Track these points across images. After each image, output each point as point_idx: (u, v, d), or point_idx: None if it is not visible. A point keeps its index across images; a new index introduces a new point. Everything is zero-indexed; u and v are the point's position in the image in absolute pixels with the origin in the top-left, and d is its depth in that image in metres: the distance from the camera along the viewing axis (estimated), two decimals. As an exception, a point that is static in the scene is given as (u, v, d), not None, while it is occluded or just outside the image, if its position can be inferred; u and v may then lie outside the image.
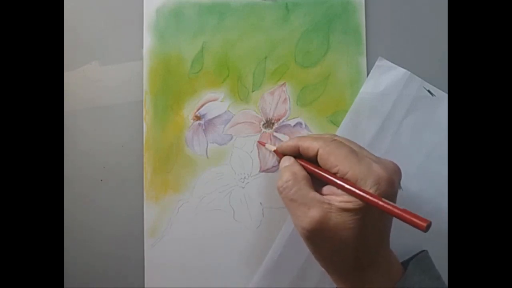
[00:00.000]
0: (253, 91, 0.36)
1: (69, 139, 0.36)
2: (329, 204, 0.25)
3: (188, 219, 0.35)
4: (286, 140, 0.30)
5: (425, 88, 0.35)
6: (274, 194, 0.30)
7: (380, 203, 0.24)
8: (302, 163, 0.29)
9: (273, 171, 0.35)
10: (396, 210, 0.23)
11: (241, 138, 0.35)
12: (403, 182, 0.34)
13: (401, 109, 0.35)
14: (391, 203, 0.24)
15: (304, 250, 0.29)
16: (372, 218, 0.25)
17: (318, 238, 0.26)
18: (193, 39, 0.36)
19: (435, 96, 0.35)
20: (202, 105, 0.36)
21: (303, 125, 0.35)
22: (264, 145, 0.35)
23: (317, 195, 0.26)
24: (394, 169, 0.27)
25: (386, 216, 0.26)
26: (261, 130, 0.36)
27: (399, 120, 0.35)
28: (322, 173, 0.27)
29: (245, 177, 0.35)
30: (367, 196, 0.24)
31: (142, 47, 0.36)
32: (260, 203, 0.35)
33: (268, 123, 0.36)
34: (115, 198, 0.36)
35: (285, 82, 0.36)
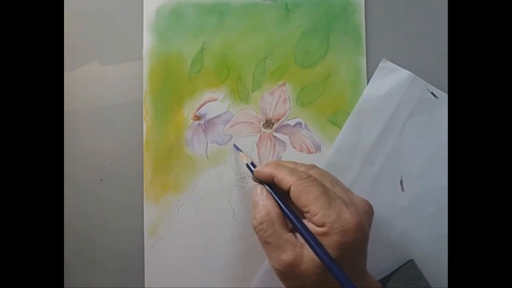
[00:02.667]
0: (253, 91, 0.36)
1: (69, 139, 0.36)
2: (301, 248, 0.25)
3: (188, 219, 0.35)
4: (263, 165, 0.29)
5: (428, 90, 0.35)
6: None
7: (330, 267, 0.23)
8: (275, 200, 0.28)
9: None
10: (343, 279, 0.23)
11: (241, 138, 0.35)
12: (405, 183, 0.35)
13: (405, 111, 0.35)
14: (340, 271, 0.23)
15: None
16: (343, 263, 0.24)
17: (290, 279, 0.26)
18: (193, 39, 0.36)
19: (438, 98, 0.35)
20: (202, 105, 0.36)
21: (303, 125, 0.35)
22: (240, 152, 0.34)
23: (291, 236, 0.26)
24: (366, 210, 0.27)
25: (359, 254, 0.26)
26: (261, 130, 0.36)
27: (402, 122, 0.35)
28: (291, 217, 0.26)
29: (245, 177, 0.35)
30: (321, 256, 0.24)
31: (142, 47, 0.36)
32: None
33: (268, 123, 0.36)
34: (115, 198, 0.36)
35: (285, 82, 0.36)
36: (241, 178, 0.35)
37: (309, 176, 0.27)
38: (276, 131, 0.36)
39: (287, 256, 0.25)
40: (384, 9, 0.36)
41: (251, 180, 0.35)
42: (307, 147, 0.35)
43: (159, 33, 0.36)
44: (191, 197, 0.35)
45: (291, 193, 0.26)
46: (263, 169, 0.29)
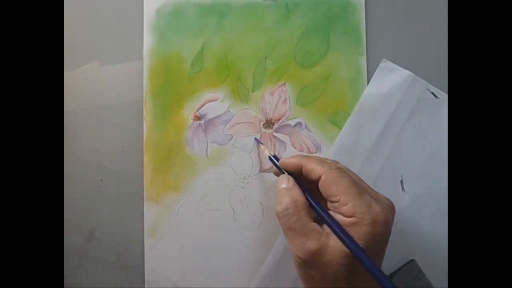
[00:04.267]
0: (253, 91, 0.36)
1: (69, 139, 0.36)
2: (326, 237, 0.25)
3: (188, 219, 0.35)
4: (289, 157, 0.29)
5: (429, 90, 0.35)
6: (274, 194, 0.30)
7: (361, 257, 0.23)
8: (301, 190, 0.28)
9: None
10: (374, 269, 0.23)
11: (241, 138, 0.35)
12: (406, 183, 0.35)
13: (405, 111, 0.35)
14: (371, 262, 0.23)
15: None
16: (370, 255, 0.24)
17: (312, 268, 0.26)
18: (193, 39, 0.36)
19: (438, 98, 0.35)
20: (202, 105, 0.36)
21: (303, 125, 0.35)
22: (261, 145, 0.34)
23: (316, 226, 0.26)
24: (390, 206, 0.27)
25: (382, 249, 0.26)
26: (261, 130, 0.36)
27: (402, 122, 0.35)
28: (318, 210, 0.26)
29: (245, 177, 0.35)
30: (351, 246, 0.24)
31: (142, 47, 0.36)
32: (260, 203, 0.35)
33: (268, 123, 0.36)
34: (115, 198, 0.36)
35: (285, 82, 0.36)
36: (241, 178, 0.35)
37: (339, 168, 0.27)
38: (276, 131, 0.36)
39: (312, 244, 0.25)
40: (384, 9, 0.36)
41: (251, 180, 0.35)
42: (307, 147, 0.35)
43: (159, 33, 0.36)
44: (191, 197, 0.35)
45: (321, 183, 0.26)
46: (290, 160, 0.29)
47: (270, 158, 0.32)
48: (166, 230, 0.35)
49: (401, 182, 0.35)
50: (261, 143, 0.35)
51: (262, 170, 0.35)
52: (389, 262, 0.33)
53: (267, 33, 0.36)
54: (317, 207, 0.27)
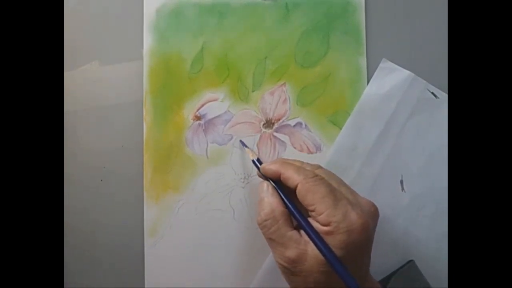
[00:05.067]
0: (253, 91, 0.36)
1: (69, 139, 0.36)
2: (305, 245, 0.25)
3: (188, 219, 0.35)
4: (270, 162, 0.29)
5: (428, 90, 0.35)
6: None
7: (335, 266, 0.24)
8: (280, 197, 0.28)
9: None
10: (346, 278, 0.23)
11: (241, 138, 0.35)
12: (405, 183, 0.35)
13: (405, 111, 0.35)
14: (345, 272, 0.23)
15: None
16: (347, 263, 0.24)
17: (293, 275, 0.26)
18: (193, 39, 0.36)
19: (438, 98, 0.35)
20: (202, 105, 0.36)
21: (303, 125, 0.35)
22: (246, 148, 0.34)
23: (295, 234, 0.26)
24: (371, 211, 0.27)
25: (363, 255, 0.26)
26: (261, 130, 0.36)
27: (402, 122, 0.35)
28: (296, 215, 0.27)
29: (245, 177, 0.35)
30: (325, 253, 0.24)
31: (142, 47, 0.36)
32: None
33: (268, 123, 0.36)
34: (115, 198, 0.36)
35: (285, 82, 0.36)
36: (241, 178, 0.35)
37: (316, 175, 0.27)
38: (276, 131, 0.36)
39: (290, 253, 0.25)
40: (384, 9, 0.36)
41: (251, 180, 0.35)
42: (307, 147, 0.35)
43: (159, 33, 0.36)
44: (191, 197, 0.35)
45: (297, 192, 0.26)
46: (270, 166, 0.29)
47: (253, 162, 0.32)
48: (166, 230, 0.35)
49: (401, 182, 0.35)
50: (246, 146, 0.35)
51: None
52: (388, 263, 0.33)
53: (267, 33, 0.36)
54: (295, 214, 0.27)
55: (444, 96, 0.35)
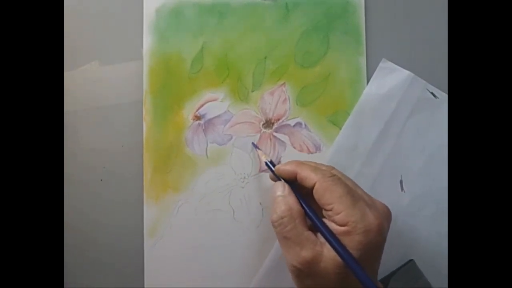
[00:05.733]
0: (253, 91, 0.36)
1: (69, 139, 0.36)
2: (321, 246, 0.25)
3: (188, 219, 0.35)
4: (284, 163, 0.29)
5: (428, 90, 0.35)
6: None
7: (353, 267, 0.23)
8: (296, 198, 0.28)
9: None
10: (365, 280, 0.23)
11: (241, 138, 0.35)
12: (405, 183, 0.35)
13: (405, 110, 0.35)
14: (363, 272, 0.23)
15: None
16: (362, 264, 0.24)
17: (307, 278, 0.25)
18: (193, 39, 0.36)
19: (438, 98, 0.35)
20: (202, 105, 0.36)
21: (303, 125, 0.35)
22: (259, 150, 0.34)
23: (310, 235, 0.26)
24: (386, 213, 0.27)
25: (376, 256, 0.26)
26: (261, 130, 0.36)
27: (402, 121, 0.35)
28: (312, 216, 0.26)
29: (245, 177, 0.35)
30: (343, 255, 0.24)
31: (142, 47, 0.36)
32: (260, 203, 0.35)
33: (268, 123, 0.36)
34: (115, 198, 0.36)
35: (285, 82, 0.36)
36: (241, 178, 0.35)
37: (334, 175, 0.27)
38: (276, 131, 0.36)
39: (306, 253, 0.25)
40: (384, 9, 0.36)
41: (251, 180, 0.35)
42: (307, 147, 0.35)
43: (159, 33, 0.36)
44: (191, 197, 0.35)
45: (315, 191, 0.26)
46: (285, 167, 0.29)
47: (266, 164, 0.31)
48: (166, 230, 0.35)
49: (401, 182, 0.35)
50: (259, 148, 0.35)
51: (261, 170, 0.35)
52: (389, 262, 0.33)
53: (267, 33, 0.36)
54: (311, 215, 0.26)
55: (444, 96, 0.35)
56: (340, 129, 0.35)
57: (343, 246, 0.24)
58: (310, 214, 0.26)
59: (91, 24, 0.37)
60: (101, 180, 0.36)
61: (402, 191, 0.35)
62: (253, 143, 0.35)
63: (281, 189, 0.28)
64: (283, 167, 0.29)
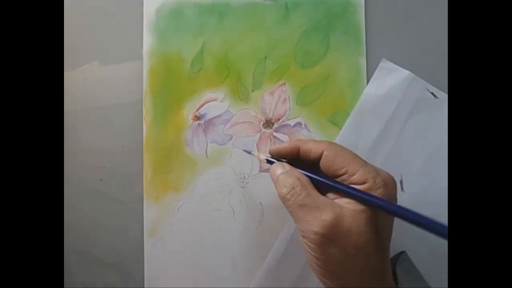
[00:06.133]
0: (253, 91, 0.36)
1: (69, 139, 0.36)
2: (340, 206, 0.25)
3: (188, 219, 0.35)
4: (279, 144, 0.29)
5: (428, 90, 0.35)
6: (274, 194, 0.30)
7: (392, 207, 0.24)
8: (301, 170, 0.27)
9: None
10: (412, 215, 0.23)
11: (241, 138, 0.35)
12: (405, 183, 0.35)
13: (404, 110, 0.35)
14: (403, 207, 0.23)
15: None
16: (384, 219, 0.25)
17: (331, 244, 0.24)
18: (193, 39, 0.36)
19: (438, 98, 0.35)
20: (202, 105, 0.36)
21: (303, 125, 0.35)
22: (254, 153, 0.33)
23: (326, 198, 0.25)
24: (390, 175, 0.27)
25: (392, 218, 0.26)
26: (261, 130, 0.36)
27: (402, 121, 0.35)
28: (327, 182, 0.26)
29: (245, 177, 0.35)
30: (373, 201, 0.24)
31: (142, 47, 0.36)
32: (260, 203, 0.35)
33: (268, 123, 0.36)
34: (115, 198, 0.36)
35: (285, 82, 0.36)
36: (241, 178, 0.35)
37: (336, 143, 0.27)
38: (276, 131, 0.36)
39: (327, 215, 0.24)
40: (384, 9, 0.36)
41: (251, 180, 0.35)
42: (307, 147, 0.35)
43: (159, 33, 0.36)
44: (191, 197, 0.35)
45: (324, 158, 0.26)
46: (285, 144, 0.29)
47: (268, 161, 0.30)
48: (166, 230, 0.35)
49: (401, 182, 0.35)
50: (252, 153, 0.33)
51: (262, 170, 0.35)
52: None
53: (267, 33, 0.36)
54: (325, 180, 0.26)
55: (443, 96, 0.35)
56: (340, 129, 0.35)
57: (369, 194, 0.24)
58: (322, 179, 0.26)
59: (91, 24, 0.37)
60: (101, 180, 0.36)
61: (402, 191, 0.35)
62: (245, 150, 0.34)
63: (280, 168, 0.28)
64: (283, 145, 0.29)
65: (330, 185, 0.26)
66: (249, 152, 0.33)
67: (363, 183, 0.25)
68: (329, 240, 0.24)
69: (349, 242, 0.24)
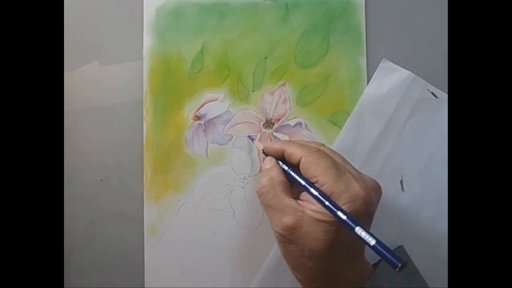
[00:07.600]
0: (253, 91, 0.36)
1: (69, 139, 0.36)
2: (302, 212, 0.26)
3: (188, 219, 0.35)
4: (273, 142, 0.30)
5: (428, 90, 0.35)
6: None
7: (347, 221, 0.24)
8: (283, 166, 0.29)
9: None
10: (369, 240, 0.23)
11: (241, 138, 0.35)
12: (405, 183, 0.35)
13: (405, 111, 0.35)
14: (363, 228, 0.23)
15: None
16: (345, 234, 0.25)
17: (289, 243, 0.26)
18: (193, 39, 0.36)
19: (438, 98, 0.35)
20: (202, 105, 0.36)
21: (303, 125, 0.35)
22: (254, 141, 0.35)
23: (292, 201, 0.26)
24: (374, 187, 0.27)
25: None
26: (261, 130, 0.36)
27: (402, 122, 0.35)
28: (300, 181, 0.27)
29: (245, 177, 0.35)
30: (338, 213, 0.24)
31: (142, 47, 0.36)
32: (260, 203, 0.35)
33: (268, 123, 0.36)
34: (115, 198, 0.36)
35: (285, 82, 0.36)
36: (241, 178, 0.35)
37: (319, 150, 0.28)
38: (276, 131, 0.36)
39: (288, 219, 0.26)
40: (384, 9, 0.36)
41: (251, 180, 0.35)
42: (307, 147, 0.35)
43: (159, 33, 0.36)
44: (191, 197, 0.35)
45: (301, 165, 0.27)
46: (273, 145, 0.30)
47: (264, 152, 0.32)
48: (166, 230, 0.35)
49: (401, 182, 0.35)
50: (254, 139, 0.35)
51: (262, 170, 0.35)
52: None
53: (267, 33, 0.36)
54: (300, 181, 0.27)
55: (444, 96, 0.35)
56: (340, 129, 0.35)
57: (332, 201, 0.25)
58: (300, 180, 0.27)
59: (91, 24, 0.37)
60: (101, 180, 0.36)
61: (402, 191, 0.35)
62: (249, 136, 0.35)
63: (268, 163, 0.30)
64: (271, 145, 0.30)
65: (303, 187, 0.27)
66: (252, 140, 0.35)
67: (329, 196, 0.25)
68: (288, 240, 0.26)
69: (306, 244, 0.25)
